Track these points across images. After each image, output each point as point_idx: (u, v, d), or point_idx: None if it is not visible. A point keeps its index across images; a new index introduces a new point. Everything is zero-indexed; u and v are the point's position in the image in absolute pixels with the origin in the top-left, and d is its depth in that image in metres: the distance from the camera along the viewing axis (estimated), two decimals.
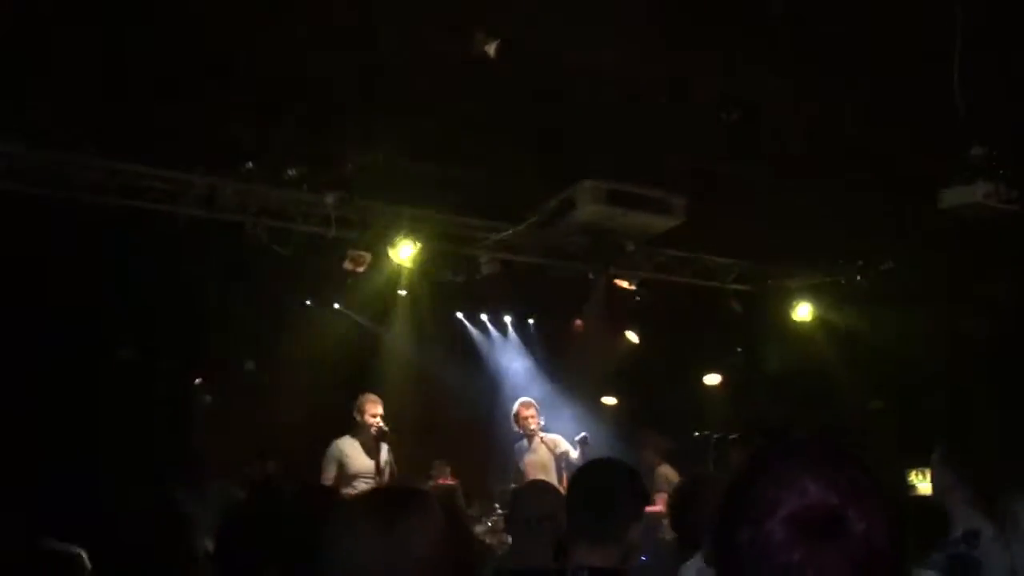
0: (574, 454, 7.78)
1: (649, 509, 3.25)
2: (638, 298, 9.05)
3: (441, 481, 7.96)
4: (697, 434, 9.75)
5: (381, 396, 7.62)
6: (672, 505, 3.39)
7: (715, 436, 7.59)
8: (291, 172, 7.05)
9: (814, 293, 9.60)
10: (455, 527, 1.81)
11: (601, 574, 2.87)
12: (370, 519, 1.77)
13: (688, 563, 2.60)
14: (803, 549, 1.06)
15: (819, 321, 9.65)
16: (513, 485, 8.01)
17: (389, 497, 1.86)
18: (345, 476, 7.33)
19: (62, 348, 6.61)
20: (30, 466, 5.90)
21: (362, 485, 7.32)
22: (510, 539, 4.45)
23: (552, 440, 7.98)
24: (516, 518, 3.40)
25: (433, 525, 1.75)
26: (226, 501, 4.54)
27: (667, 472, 8.68)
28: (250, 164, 6.90)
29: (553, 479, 7.56)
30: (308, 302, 9.38)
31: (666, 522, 4.12)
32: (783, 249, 8.91)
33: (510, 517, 3.66)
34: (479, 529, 8.14)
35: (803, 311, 9.64)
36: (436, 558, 1.71)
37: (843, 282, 9.26)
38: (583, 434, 7.93)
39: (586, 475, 3.11)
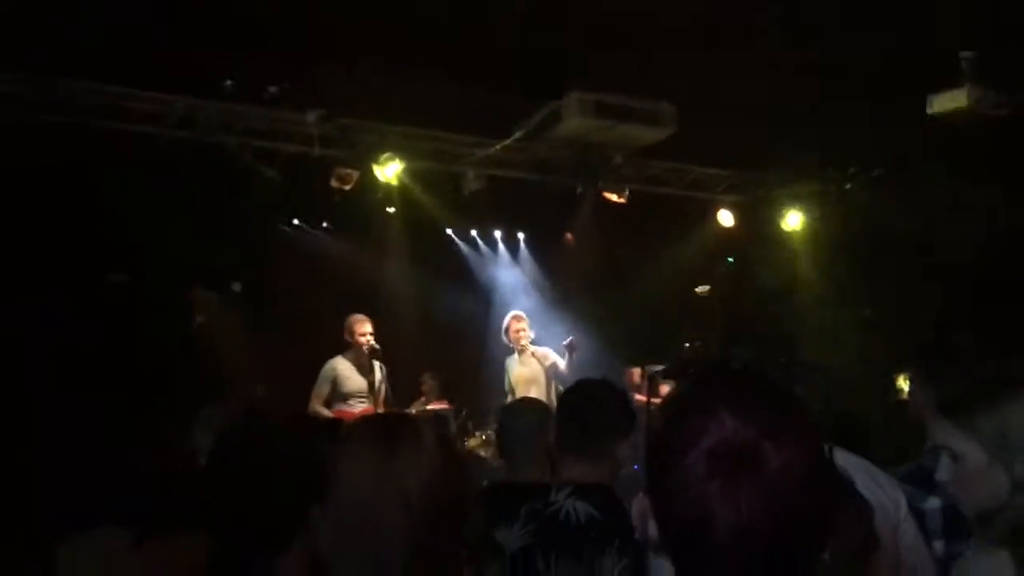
0: (562, 365, 7.85)
1: None
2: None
3: (432, 404, 8.04)
4: (688, 344, 9.84)
5: (372, 315, 7.64)
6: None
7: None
8: (272, 90, 6.92)
9: (804, 201, 9.55)
10: (448, 455, 1.80)
11: (586, 488, 2.91)
12: (365, 447, 1.77)
13: None
14: (719, 481, 1.09)
15: (809, 230, 9.62)
16: (506, 399, 8.11)
17: (383, 425, 1.84)
18: (338, 395, 7.42)
19: (47, 273, 6.57)
20: (24, 395, 5.92)
21: (356, 404, 7.42)
22: (498, 451, 4.52)
23: (542, 353, 8.03)
24: (505, 435, 3.43)
25: (426, 454, 1.74)
26: (217, 425, 4.56)
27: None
28: (230, 83, 6.76)
29: (543, 392, 7.64)
30: (296, 222, 9.32)
31: None
32: (773, 158, 8.83)
33: (499, 433, 3.69)
34: (473, 443, 8.27)
35: (793, 220, 9.60)
36: (430, 486, 1.71)
37: (833, 190, 9.20)
38: (570, 338, 7.97)
39: (573, 393, 3.15)
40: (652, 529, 1.19)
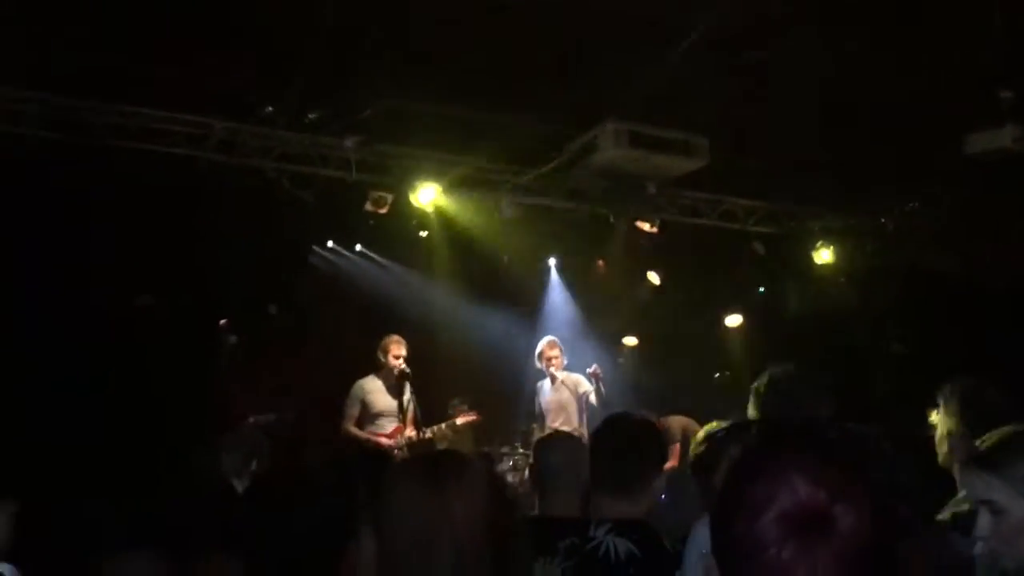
0: (593, 395, 7.80)
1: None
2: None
3: (461, 417, 7.98)
4: (717, 375, 9.75)
5: (405, 338, 7.64)
6: (694, 455, 3.37)
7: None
8: (311, 116, 6.97)
9: (836, 236, 9.45)
10: (496, 492, 1.81)
11: (626, 525, 2.87)
12: (418, 481, 1.78)
13: (704, 519, 2.57)
14: (793, 547, 1.10)
15: (841, 264, 9.52)
16: (534, 425, 8.06)
17: (437, 461, 1.85)
18: (368, 415, 7.44)
19: (85, 297, 6.62)
20: (55, 416, 5.94)
21: (385, 424, 7.43)
22: (532, 486, 4.47)
23: (574, 380, 7.99)
24: (539, 468, 3.38)
25: (478, 489, 1.76)
26: (253, 446, 4.56)
27: (680, 422, 8.67)
28: (270, 108, 6.81)
29: (573, 420, 7.60)
30: (330, 244, 9.36)
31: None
32: (806, 192, 8.77)
33: (533, 466, 3.65)
34: (501, 468, 8.21)
35: (825, 254, 9.51)
36: (480, 521, 1.73)
37: (866, 224, 9.10)
38: (594, 366, 7.94)
39: (609, 431, 3.12)
40: None
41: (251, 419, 6.95)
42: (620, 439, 3.03)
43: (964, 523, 2.70)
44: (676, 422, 8.44)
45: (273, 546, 2.18)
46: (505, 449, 8.34)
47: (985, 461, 1.85)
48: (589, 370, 7.96)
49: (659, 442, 3.09)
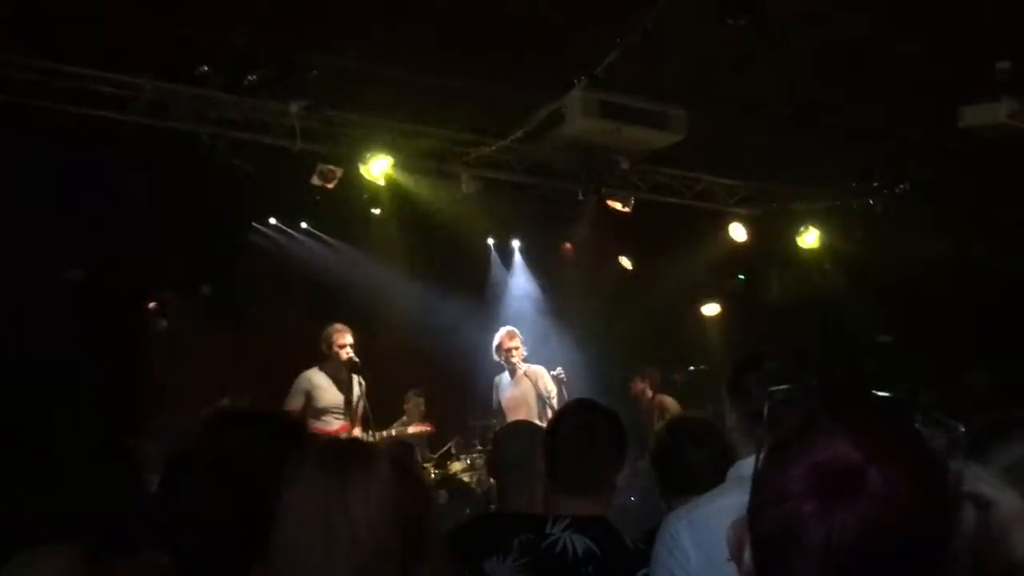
0: (554, 395, 7.83)
1: None
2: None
3: (413, 426, 8.05)
4: (692, 368, 9.84)
5: (352, 324, 7.61)
6: (656, 446, 3.42)
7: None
8: (251, 77, 6.89)
9: (822, 218, 9.56)
10: (407, 487, 1.85)
11: (584, 521, 2.91)
12: (315, 476, 1.85)
13: (678, 513, 2.61)
14: (816, 501, 1.12)
15: (827, 248, 9.64)
16: (494, 421, 8.09)
17: (341, 452, 1.90)
18: (314, 410, 7.37)
19: (3, 264, 6.53)
20: None
21: (332, 420, 7.39)
22: (491, 480, 4.49)
23: (535, 372, 8.01)
24: (497, 461, 3.41)
25: (382, 483, 1.82)
26: (180, 437, 4.54)
27: (666, 402, 8.84)
28: (205, 68, 6.73)
29: (534, 415, 7.62)
30: (272, 221, 9.31)
31: None
32: (790, 170, 8.85)
33: (491, 460, 3.67)
34: (456, 467, 8.25)
35: (810, 237, 9.62)
36: (380, 520, 1.79)
37: (854, 206, 9.22)
38: (558, 369, 7.97)
39: (566, 421, 3.12)
40: (747, 556, 1.22)
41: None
42: (578, 434, 3.03)
43: None
44: (674, 403, 8.64)
45: (188, 537, 2.19)
46: (461, 452, 8.40)
47: (971, 449, 1.86)
48: (553, 373, 7.99)
49: (620, 434, 3.10)
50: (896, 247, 8.87)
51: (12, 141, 6.38)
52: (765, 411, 1.32)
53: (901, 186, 8.71)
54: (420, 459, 7.88)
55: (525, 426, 3.81)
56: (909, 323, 9.01)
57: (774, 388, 1.37)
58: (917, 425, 1.24)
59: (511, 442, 3.40)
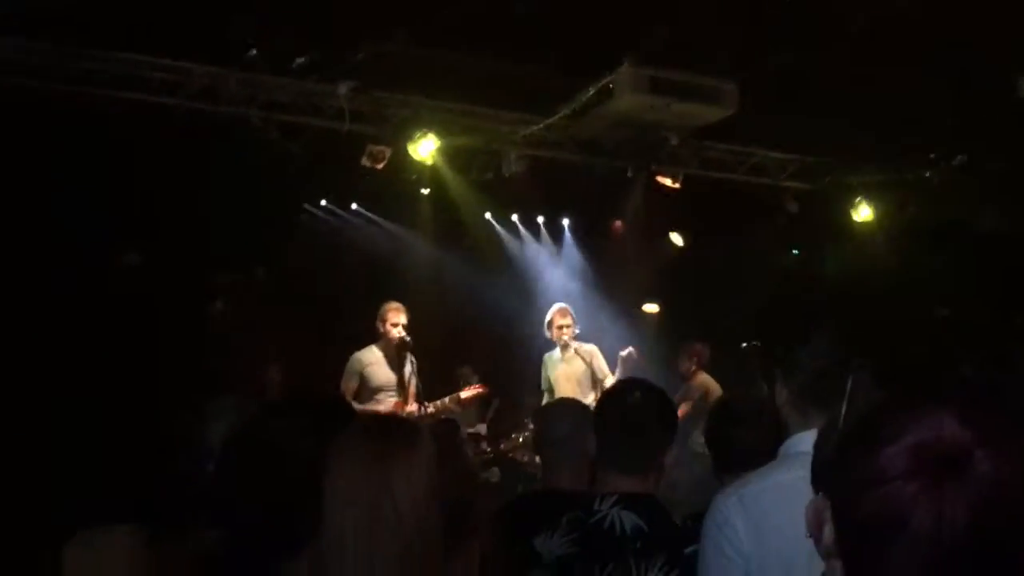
0: (607, 373, 7.80)
1: None
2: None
3: (468, 389, 8.03)
4: (745, 345, 9.76)
5: (405, 304, 7.67)
6: (708, 426, 3.41)
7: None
8: (300, 61, 6.95)
9: (877, 191, 9.41)
10: (450, 466, 1.88)
11: (632, 498, 2.91)
12: (364, 452, 1.88)
13: (727, 491, 2.60)
14: (921, 482, 1.07)
15: (881, 221, 9.49)
16: (545, 398, 8.10)
17: (383, 432, 1.93)
18: (367, 389, 7.45)
19: (61, 250, 6.66)
20: (31, 384, 6.03)
21: (385, 398, 7.46)
22: (536, 454, 4.52)
23: (588, 351, 7.97)
24: (542, 438, 3.43)
25: (420, 465, 1.84)
26: (237, 417, 4.62)
27: (704, 381, 8.77)
28: (254, 52, 6.80)
29: (586, 394, 7.61)
30: (324, 202, 9.39)
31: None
32: (843, 143, 8.71)
33: (536, 436, 3.69)
34: (509, 445, 8.28)
35: (864, 211, 9.47)
36: (422, 497, 1.82)
37: (909, 179, 9.06)
38: (628, 350, 7.91)
39: (614, 400, 3.12)
40: (828, 532, 1.18)
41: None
42: (625, 412, 3.02)
43: None
44: (705, 379, 8.59)
45: (242, 517, 2.23)
46: (514, 431, 8.42)
47: None
48: (623, 353, 7.93)
49: (670, 413, 3.10)
50: (952, 220, 8.70)
51: (67, 128, 6.50)
52: (848, 386, 1.28)
53: (958, 158, 8.54)
54: (465, 433, 7.89)
55: (569, 403, 3.82)
56: (966, 297, 8.85)
57: (857, 366, 1.32)
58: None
59: (556, 419, 3.41)
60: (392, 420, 2.02)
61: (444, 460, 1.86)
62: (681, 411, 7.41)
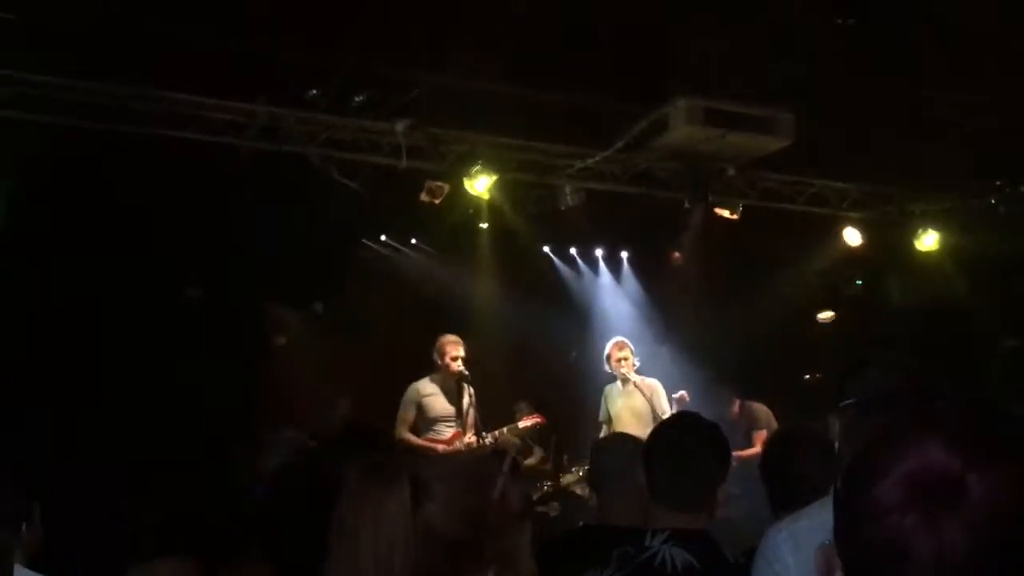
0: (667, 411, 7.72)
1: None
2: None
3: (525, 419, 8.00)
4: (808, 377, 9.60)
5: (463, 337, 7.69)
6: (763, 459, 3.33)
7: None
8: (358, 99, 7.04)
9: (941, 219, 9.21)
10: (445, 506, 1.88)
11: (684, 535, 2.85)
12: (349, 489, 1.98)
13: (779, 525, 2.53)
14: (917, 513, 1.07)
15: (947, 250, 9.28)
16: (604, 431, 8.03)
17: (369, 472, 1.99)
18: (425, 420, 7.47)
19: (127, 288, 6.81)
20: (96, 411, 6.15)
21: (444, 429, 7.48)
22: (590, 488, 4.47)
23: (650, 386, 7.89)
24: (595, 471, 3.39)
25: (392, 506, 1.90)
26: (296, 448, 4.66)
27: (761, 409, 8.63)
28: (314, 92, 6.92)
29: (648, 428, 7.51)
30: (383, 238, 9.48)
31: None
32: (905, 170, 8.56)
33: (590, 471, 3.65)
34: (568, 479, 8.21)
35: (929, 239, 9.27)
36: (401, 535, 1.87)
37: (975, 206, 8.86)
38: (681, 392, 7.85)
39: (667, 435, 3.06)
40: None
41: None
42: (677, 448, 2.97)
43: None
44: (762, 410, 8.42)
45: (291, 549, 2.23)
46: (573, 464, 8.35)
47: None
48: (675, 395, 7.88)
49: (723, 449, 3.03)
50: (1019, 248, 8.47)
51: (132, 169, 6.66)
52: (837, 426, 1.28)
53: None
54: (514, 464, 7.83)
55: (624, 438, 3.77)
56: None
57: (845, 403, 1.32)
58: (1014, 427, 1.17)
59: (609, 454, 3.37)
60: (376, 463, 2.03)
61: (430, 501, 1.86)
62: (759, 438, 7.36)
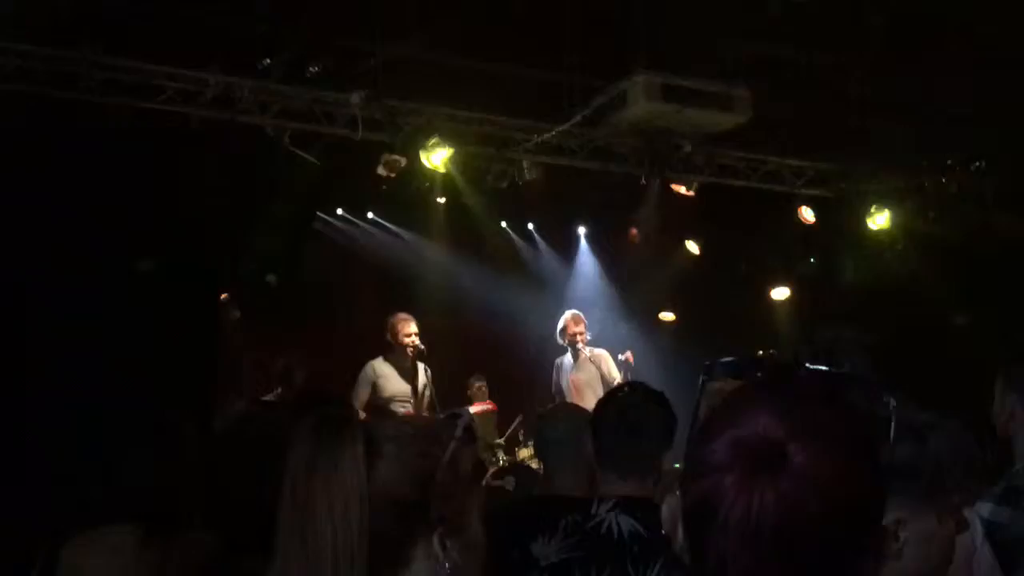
0: (617, 376, 7.78)
1: None
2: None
3: (477, 405, 8.06)
4: (761, 353, 9.69)
5: (419, 313, 7.68)
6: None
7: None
8: (313, 69, 6.97)
9: (893, 198, 9.31)
10: (392, 465, 1.87)
11: (630, 502, 2.88)
12: (297, 451, 1.91)
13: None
14: (737, 474, 1.12)
15: (899, 229, 9.39)
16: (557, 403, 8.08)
17: (315, 426, 1.95)
18: (380, 399, 7.47)
19: (75, 260, 6.70)
20: (47, 383, 6.07)
21: (399, 407, 7.46)
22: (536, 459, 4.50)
23: (599, 356, 7.97)
24: (541, 442, 3.41)
25: (348, 462, 1.85)
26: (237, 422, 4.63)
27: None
28: (268, 61, 6.83)
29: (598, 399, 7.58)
30: (339, 211, 9.41)
31: None
32: (860, 149, 8.64)
33: (536, 441, 3.67)
34: (524, 453, 8.25)
35: (881, 218, 9.37)
36: (351, 495, 1.83)
37: (926, 185, 8.96)
38: (627, 353, 7.91)
39: (613, 401, 3.09)
40: (680, 532, 1.24)
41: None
42: (624, 415, 2.99)
43: (1015, 496, 2.70)
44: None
45: (230, 521, 2.23)
46: (529, 438, 8.38)
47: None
48: (621, 356, 7.94)
49: (670, 416, 3.06)
50: (971, 226, 8.60)
51: (82, 137, 6.54)
52: (699, 385, 1.34)
53: (976, 164, 8.45)
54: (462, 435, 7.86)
55: (568, 407, 3.80)
56: (985, 304, 8.74)
57: (709, 361, 1.39)
58: (850, 399, 1.23)
59: (553, 424, 3.40)
60: (328, 416, 2.00)
61: (382, 458, 1.84)
62: None
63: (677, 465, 3.08)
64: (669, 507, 1.18)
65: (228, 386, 7.08)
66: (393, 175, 7.90)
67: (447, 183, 8.22)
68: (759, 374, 1.31)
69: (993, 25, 6.27)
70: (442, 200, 8.60)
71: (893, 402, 1.37)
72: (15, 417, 5.43)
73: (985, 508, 2.70)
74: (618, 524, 2.84)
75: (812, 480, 1.10)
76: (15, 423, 5.36)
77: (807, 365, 1.45)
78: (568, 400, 7.74)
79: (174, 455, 3.05)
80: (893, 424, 1.41)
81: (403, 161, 7.81)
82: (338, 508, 1.77)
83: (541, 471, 7.72)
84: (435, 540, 1.81)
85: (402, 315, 7.54)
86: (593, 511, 2.89)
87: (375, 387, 7.48)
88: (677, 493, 1.25)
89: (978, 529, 2.59)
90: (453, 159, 7.86)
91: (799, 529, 1.10)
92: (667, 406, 3.08)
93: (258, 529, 2.21)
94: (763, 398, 1.19)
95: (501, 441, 8.49)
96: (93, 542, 2.99)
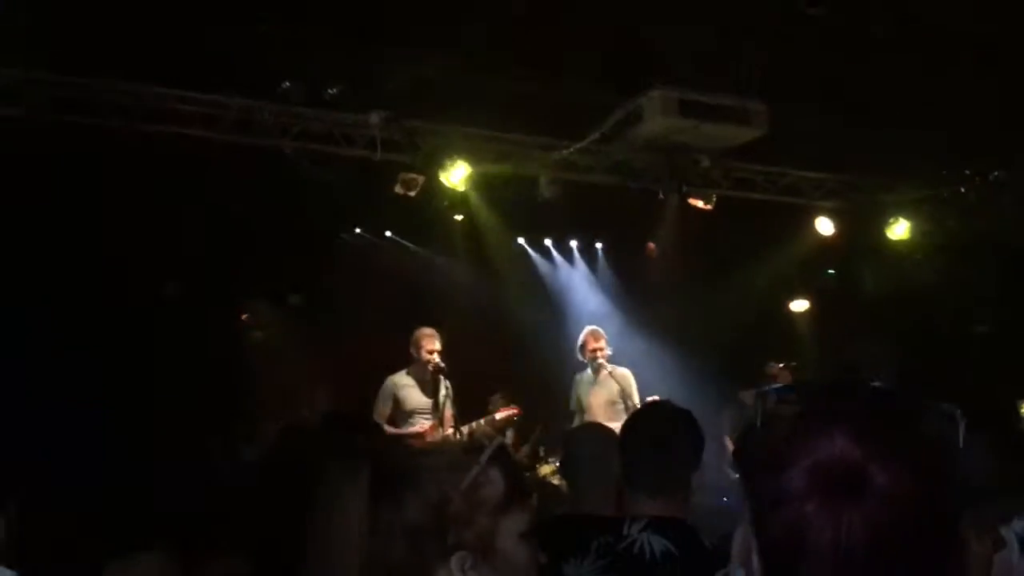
0: (637, 400, 7.74)
1: None
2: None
3: (500, 411, 8.01)
4: (781, 366, 9.66)
5: (439, 329, 7.68)
6: (735, 447, 3.37)
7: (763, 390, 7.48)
8: (331, 91, 7.01)
9: (912, 208, 9.29)
10: (401, 499, 1.87)
11: (662, 522, 2.87)
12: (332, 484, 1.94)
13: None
14: (817, 501, 1.11)
15: (918, 239, 9.35)
16: (576, 420, 8.06)
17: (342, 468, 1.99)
18: (401, 413, 7.46)
19: (103, 284, 6.75)
20: (77, 406, 6.11)
21: (420, 421, 7.47)
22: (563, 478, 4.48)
23: (622, 374, 7.94)
24: (568, 461, 3.40)
25: (356, 500, 1.86)
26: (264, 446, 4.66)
27: None
28: (287, 84, 6.88)
29: (620, 417, 7.55)
30: (358, 230, 9.45)
31: None
32: (877, 160, 8.62)
33: (564, 460, 3.66)
34: (545, 470, 8.23)
35: (900, 228, 9.34)
36: (358, 528, 1.87)
37: (945, 195, 8.93)
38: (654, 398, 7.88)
39: (642, 423, 3.09)
40: (756, 562, 1.21)
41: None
42: (653, 434, 2.99)
43: None
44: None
45: (268, 544, 2.24)
46: (550, 456, 8.36)
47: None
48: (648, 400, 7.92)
49: (698, 435, 3.06)
50: (990, 236, 8.56)
51: (105, 162, 6.60)
52: (758, 413, 1.32)
53: (995, 173, 8.42)
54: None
55: (596, 427, 3.79)
56: (1005, 313, 8.70)
57: (764, 389, 1.36)
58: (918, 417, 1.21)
59: (582, 443, 3.39)
60: (347, 465, 2.01)
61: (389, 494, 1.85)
62: None
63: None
64: (741, 537, 1.17)
65: (252, 409, 7.11)
66: (411, 194, 7.94)
67: (465, 201, 8.26)
68: (820, 397, 1.30)
69: (1012, 34, 6.25)
70: (460, 218, 8.63)
71: (960, 414, 1.35)
72: (44, 440, 5.47)
73: (1020, 525, 2.68)
74: (650, 545, 2.84)
75: (895, 499, 1.10)
76: (44, 445, 5.39)
77: (873, 385, 1.43)
78: (585, 417, 7.73)
79: (207, 481, 3.07)
80: (961, 436, 1.39)
81: (421, 180, 7.85)
82: (353, 539, 1.79)
83: (565, 489, 7.79)
84: (453, 563, 1.80)
85: (427, 330, 7.55)
86: (625, 531, 2.88)
87: (396, 400, 7.48)
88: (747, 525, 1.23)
89: (1014, 547, 2.57)
90: (471, 177, 7.89)
91: (890, 549, 1.10)
92: (695, 424, 3.09)
93: (290, 557, 2.23)
94: (836, 421, 1.17)
95: (522, 457, 8.47)
96: (126, 569, 3.00)
